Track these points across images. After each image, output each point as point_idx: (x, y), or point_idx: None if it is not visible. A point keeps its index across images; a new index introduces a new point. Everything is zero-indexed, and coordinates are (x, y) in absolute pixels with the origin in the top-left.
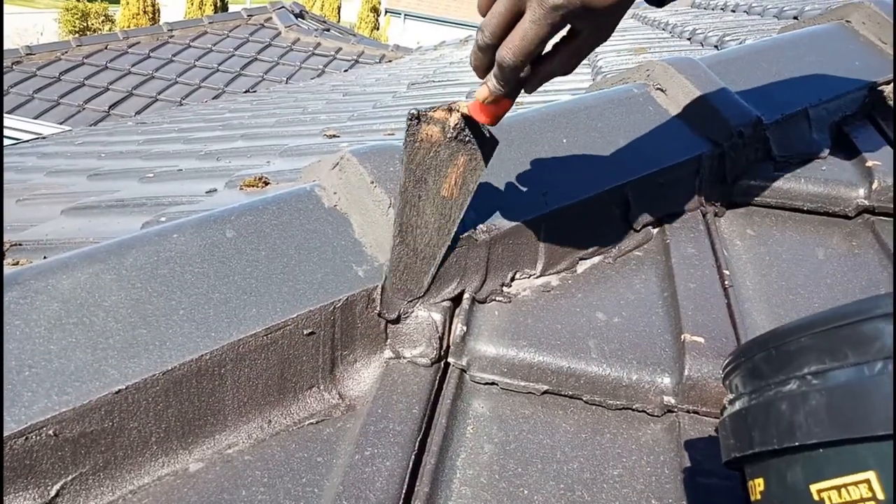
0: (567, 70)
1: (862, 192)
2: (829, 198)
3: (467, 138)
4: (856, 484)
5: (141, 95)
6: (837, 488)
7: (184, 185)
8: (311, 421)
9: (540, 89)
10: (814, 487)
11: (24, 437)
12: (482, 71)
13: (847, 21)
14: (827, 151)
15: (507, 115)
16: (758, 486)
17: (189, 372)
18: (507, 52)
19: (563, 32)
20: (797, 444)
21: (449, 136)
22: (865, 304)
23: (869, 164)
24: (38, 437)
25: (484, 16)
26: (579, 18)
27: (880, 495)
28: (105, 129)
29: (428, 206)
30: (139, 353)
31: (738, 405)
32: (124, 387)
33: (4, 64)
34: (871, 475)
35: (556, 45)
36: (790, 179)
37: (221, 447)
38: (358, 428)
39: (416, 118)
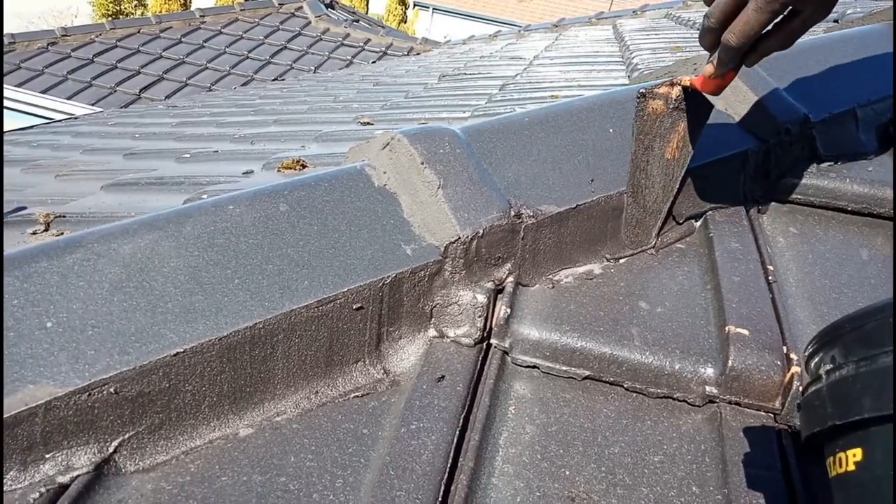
0: (786, 46)
1: None
2: (874, 199)
3: (686, 107)
4: None
5: (171, 80)
6: None
7: (220, 166)
8: (357, 394)
9: (572, 84)
10: None
11: (87, 393)
12: (709, 49)
13: None
14: (874, 152)
15: (556, 104)
16: (852, 457)
17: (243, 339)
18: (732, 36)
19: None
20: None
21: (671, 106)
22: None
23: None
24: (100, 394)
25: (709, 3)
26: (800, 2)
27: None
28: (136, 112)
29: (654, 168)
30: (196, 319)
31: (840, 374)
32: (182, 350)
33: (40, 45)
34: None
35: (776, 24)
36: (835, 179)
37: (270, 414)
38: (403, 402)
39: (643, 95)
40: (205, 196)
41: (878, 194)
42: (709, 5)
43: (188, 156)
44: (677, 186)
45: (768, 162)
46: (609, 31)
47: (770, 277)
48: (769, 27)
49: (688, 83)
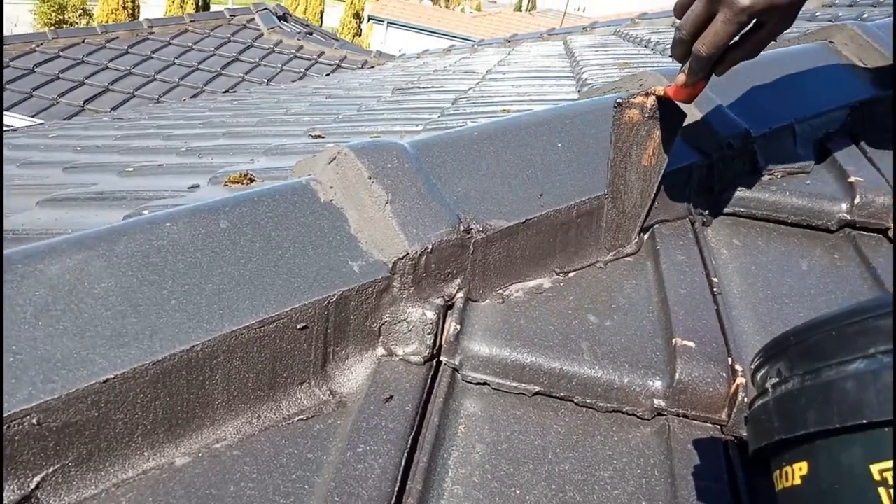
0: (753, 55)
1: (844, 206)
2: (812, 211)
3: (660, 115)
4: None
5: (117, 91)
6: None
7: (165, 180)
8: (302, 417)
9: (524, 98)
10: (875, 468)
11: (6, 426)
12: (680, 60)
13: (830, 42)
14: (811, 166)
15: (506, 118)
16: (798, 470)
17: (179, 363)
18: (703, 46)
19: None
20: (864, 422)
21: (647, 115)
22: None
23: (851, 179)
24: (20, 426)
25: (679, 17)
26: (765, 14)
27: None
28: (80, 124)
29: (632, 174)
30: (128, 343)
31: (785, 388)
32: (112, 376)
33: None
34: None
35: (743, 36)
36: (775, 192)
37: (209, 441)
38: (350, 425)
39: (620, 105)
40: (146, 211)
41: (816, 207)
42: (680, 18)
43: (131, 169)
44: (654, 191)
45: (712, 176)
46: (560, 46)
47: (715, 289)
48: (737, 38)
49: (661, 93)
